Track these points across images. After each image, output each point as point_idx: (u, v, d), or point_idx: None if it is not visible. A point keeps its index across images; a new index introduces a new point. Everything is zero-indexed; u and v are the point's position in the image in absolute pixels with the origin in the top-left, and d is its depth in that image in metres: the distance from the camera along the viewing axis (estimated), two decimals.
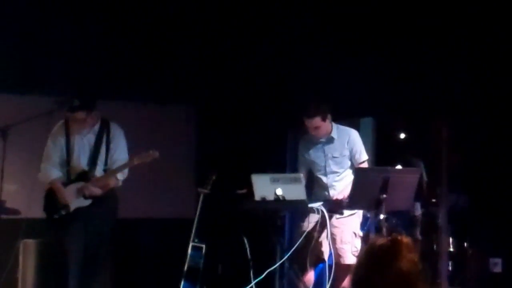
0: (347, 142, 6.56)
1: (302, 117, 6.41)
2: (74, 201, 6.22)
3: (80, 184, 6.25)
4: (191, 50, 8.28)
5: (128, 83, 8.15)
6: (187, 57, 8.31)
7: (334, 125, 6.56)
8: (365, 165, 6.62)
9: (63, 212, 6.22)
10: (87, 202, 6.23)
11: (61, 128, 6.39)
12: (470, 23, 6.86)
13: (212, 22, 8.04)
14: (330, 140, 6.55)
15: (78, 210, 6.22)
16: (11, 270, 6.87)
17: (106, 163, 6.35)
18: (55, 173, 6.31)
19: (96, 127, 6.37)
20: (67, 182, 6.31)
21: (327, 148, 6.57)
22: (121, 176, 6.38)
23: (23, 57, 7.73)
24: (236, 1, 7.74)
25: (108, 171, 6.33)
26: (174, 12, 7.90)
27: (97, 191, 6.24)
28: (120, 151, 6.40)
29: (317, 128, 6.42)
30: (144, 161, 6.26)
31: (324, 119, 6.39)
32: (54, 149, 6.34)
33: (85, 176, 6.29)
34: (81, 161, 6.32)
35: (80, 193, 6.23)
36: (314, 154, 6.61)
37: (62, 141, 6.35)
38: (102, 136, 6.37)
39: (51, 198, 6.29)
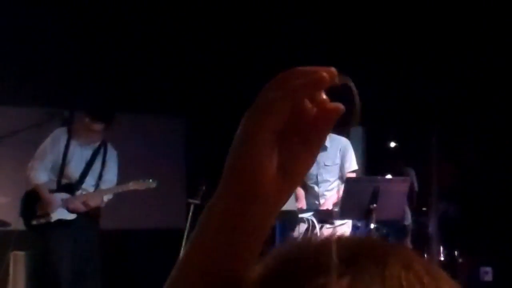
0: (339, 150, 6.55)
1: None
2: (57, 211, 6.19)
3: (66, 196, 6.23)
4: (182, 61, 8.28)
5: (119, 93, 8.14)
6: (178, 68, 8.32)
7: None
8: (354, 175, 6.62)
9: (43, 221, 6.17)
10: (71, 216, 6.19)
11: (63, 134, 6.35)
12: (461, 32, 6.89)
13: (203, 34, 8.05)
14: (323, 148, 6.54)
15: (67, 222, 6.19)
16: (1, 282, 6.83)
17: (97, 180, 6.35)
18: (43, 178, 6.27)
19: (97, 144, 6.37)
20: (55, 190, 6.28)
21: (320, 156, 6.54)
22: (106, 198, 6.38)
23: (13, 69, 7.71)
24: (226, 13, 7.75)
25: (100, 190, 6.33)
26: (165, 24, 7.90)
27: (81, 207, 6.21)
28: (112, 173, 6.44)
29: None
30: (140, 189, 6.30)
31: None
32: (51, 151, 6.29)
33: (71, 188, 6.27)
34: (75, 171, 6.31)
35: (64, 205, 6.20)
36: None
37: (62, 146, 6.31)
38: (98, 154, 6.37)
39: (30, 203, 6.25)
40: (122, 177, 6.56)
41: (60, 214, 6.20)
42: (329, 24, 7.61)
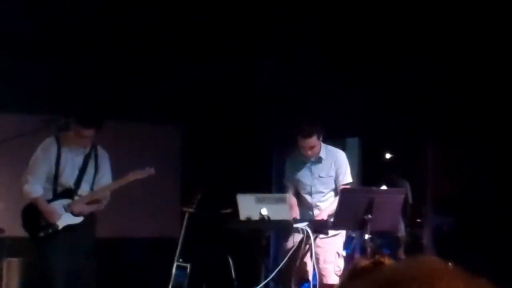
0: (334, 163, 6.55)
1: (297, 137, 6.36)
2: (63, 218, 6.19)
3: (66, 201, 6.23)
4: (178, 69, 8.28)
5: (114, 101, 8.14)
6: (174, 76, 8.32)
7: (323, 145, 6.54)
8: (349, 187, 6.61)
9: (50, 231, 6.17)
10: (78, 220, 6.22)
11: (53, 143, 6.34)
12: (457, 44, 6.91)
13: (198, 42, 8.05)
14: (318, 160, 6.53)
15: (65, 229, 6.18)
16: None
17: (92, 184, 6.36)
18: (39, 190, 6.26)
19: (87, 149, 6.37)
20: (52, 198, 6.28)
21: (315, 167, 6.55)
22: (105, 200, 6.40)
23: (8, 76, 7.70)
24: (222, 22, 7.76)
25: (100, 188, 6.34)
26: (160, 32, 7.91)
27: (86, 208, 6.24)
28: (107, 176, 6.44)
29: (313, 147, 6.38)
30: (139, 178, 6.30)
31: (318, 138, 6.37)
32: (43, 163, 6.28)
33: (70, 193, 6.27)
34: (69, 178, 6.30)
35: (68, 210, 6.20)
36: (301, 173, 6.59)
37: (53, 156, 6.30)
38: (90, 158, 6.37)
39: (33, 215, 6.24)
40: None
41: (66, 220, 6.20)
42: (325, 34, 7.62)
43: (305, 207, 6.57)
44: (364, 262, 2.39)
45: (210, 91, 8.60)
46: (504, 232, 7.12)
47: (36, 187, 6.24)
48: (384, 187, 7.18)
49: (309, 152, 6.40)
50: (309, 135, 6.29)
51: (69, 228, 6.20)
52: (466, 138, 7.40)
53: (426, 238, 8.07)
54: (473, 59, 6.90)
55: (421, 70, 7.26)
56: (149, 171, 6.36)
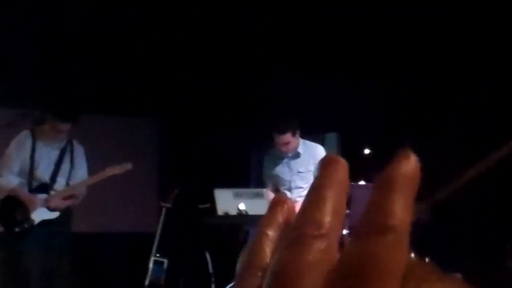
0: (313, 158, 6.56)
1: (272, 133, 6.38)
2: (38, 213, 6.14)
3: (43, 196, 6.18)
4: (156, 63, 8.24)
5: (91, 95, 8.08)
6: (151, 70, 8.28)
7: (301, 141, 6.55)
8: None
9: (26, 226, 6.12)
10: (54, 215, 6.17)
11: (27, 137, 6.28)
12: (434, 39, 6.93)
13: (177, 35, 8.01)
14: (297, 155, 6.54)
15: (41, 224, 6.13)
16: None
17: (68, 179, 6.31)
18: (14, 180, 6.21)
19: (63, 143, 6.32)
20: (28, 192, 6.22)
21: (293, 163, 6.56)
22: (81, 196, 6.36)
23: None
24: (200, 16, 7.72)
25: (76, 183, 6.29)
26: (138, 25, 7.86)
27: (62, 203, 6.19)
28: (83, 170, 6.40)
29: (287, 143, 6.39)
30: (117, 173, 6.27)
31: (294, 135, 6.38)
32: (17, 157, 6.23)
33: (45, 188, 6.22)
34: (44, 172, 6.25)
35: (44, 205, 6.15)
36: (280, 169, 6.60)
37: (27, 150, 6.24)
38: (66, 152, 6.32)
39: (8, 210, 6.18)
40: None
41: (41, 215, 6.14)
42: (304, 31, 7.61)
43: None
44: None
45: (188, 86, 8.57)
46: (480, 226, 7.16)
47: (10, 178, 6.19)
48: (362, 183, 7.18)
49: (284, 148, 6.42)
50: (284, 132, 6.30)
51: (45, 223, 6.15)
52: (444, 134, 7.43)
53: None
54: (451, 55, 6.92)
55: (400, 66, 7.27)
56: (126, 166, 6.33)
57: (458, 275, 7.57)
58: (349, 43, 7.42)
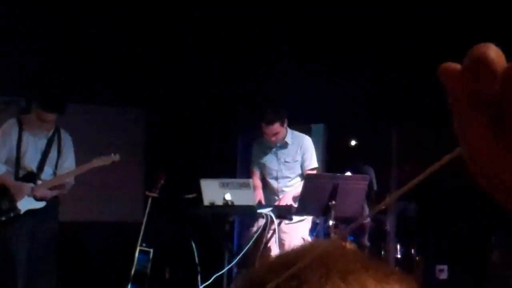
0: (300, 148, 6.57)
1: (260, 123, 6.38)
2: (24, 202, 6.11)
3: (29, 185, 6.15)
4: (142, 53, 8.21)
5: (77, 84, 8.05)
6: (138, 59, 8.24)
7: (289, 131, 6.57)
8: (314, 173, 6.64)
9: (12, 214, 6.09)
10: (40, 204, 6.15)
11: (14, 125, 6.26)
12: (422, 31, 6.93)
13: (164, 25, 7.98)
14: (284, 145, 6.55)
15: (27, 213, 6.11)
16: None
17: (55, 168, 6.29)
18: (2, 169, 6.19)
19: (50, 132, 6.29)
20: (15, 180, 6.20)
21: (280, 152, 6.57)
22: (68, 185, 6.34)
23: None
24: (186, 5, 7.69)
25: (63, 173, 6.27)
26: (125, 14, 7.82)
27: (48, 193, 6.17)
28: (70, 160, 6.40)
29: (275, 134, 6.40)
30: (104, 164, 6.25)
31: (282, 125, 6.39)
32: (3, 146, 6.21)
33: (32, 177, 6.20)
34: (31, 161, 6.23)
35: (31, 194, 6.12)
36: (267, 158, 6.61)
37: (14, 138, 6.22)
38: (53, 142, 6.30)
39: None
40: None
41: (27, 204, 6.12)
42: (291, 21, 7.59)
43: (271, 192, 6.59)
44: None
45: (174, 76, 8.54)
46: (465, 218, 7.19)
47: None
48: (348, 174, 7.19)
49: (273, 138, 6.43)
50: (272, 122, 6.31)
51: (31, 212, 6.13)
52: (430, 126, 7.44)
53: (390, 224, 8.12)
54: (439, 45, 6.92)
55: (386, 57, 7.27)
56: (114, 158, 6.32)
57: (444, 267, 7.60)
58: (337, 33, 7.41)
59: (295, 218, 6.33)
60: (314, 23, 7.49)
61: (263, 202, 6.42)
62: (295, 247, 0.84)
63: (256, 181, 6.53)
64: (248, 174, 6.84)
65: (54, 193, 6.26)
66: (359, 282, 0.74)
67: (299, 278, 0.74)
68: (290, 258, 0.78)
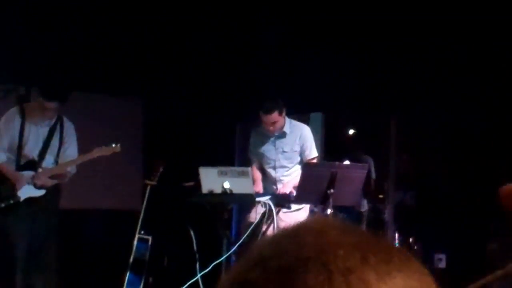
0: (299, 138, 6.57)
1: (259, 112, 6.39)
2: (24, 190, 6.11)
3: (30, 173, 6.15)
4: (140, 41, 8.20)
5: (75, 72, 8.03)
6: (135, 47, 8.23)
7: (287, 120, 6.58)
8: (315, 161, 6.65)
9: (12, 201, 6.10)
10: (40, 192, 6.16)
11: (17, 113, 6.26)
12: (421, 21, 6.92)
13: (161, 13, 7.97)
14: (282, 134, 6.56)
15: (27, 201, 6.11)
16: None
17: (57, 157, 6.29)
18: (2, 157, 6.20)
19: (52, 120, 6.29)
20: (16, 169, 6.20)
21: (279, 142, 6.58)
22: (69, 174, 6.35)
23: None
24: None
25: (64, 162, 6.27)
26: (123, 3, 7.81)
27: (49, 181, 6.17)
28: (72, 148, 6.39)
29: (274, 123, 6.41)
30: (105, 154, 6.25)
31: (280, 114, 6.40)
32: (6, 133, 6.21)
33: (33, 165, 6.20)
34: (33, 150, 6.23)
35: (31, 182, 6.13)
36: (265, 148, 6.62)
37: (16, 126, 6.22)
38: (55, 130, 6.30)
39: None
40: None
41: (28, 192, 6.12)
42: (290, 9, 7.58)
43: (269, 181, 6.59)
44: None
45: (173, 64, 8.53)
46: (463, 208, 7.20)
47: None
48: (347, 162, 7.19)
49: (271, 128, 6.44)
50: (270, 111, 6.32)
51: (31, 200, 6.14)
52: (428, 116, 7.45)
53: (388, 213, 8.13)
54: (437, 37, 6.91)
55: (385, 47, 7.27)
56: (115, 148, 6.30)
57: (443, 256, 7.62)
58: (335, 22, 7.40)
59: (294, 206, 6.34)
60: (314, 13, 7.48)
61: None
62: (277, 233, 0.80)
63: (256, 173, 6.53)
64: (247, 163, 6.84)
65: (55, 181, 6.26)
66: (362, 280, 0.73)
67: (296, 281, 0.72)
68: (279, 251, 0.75)
